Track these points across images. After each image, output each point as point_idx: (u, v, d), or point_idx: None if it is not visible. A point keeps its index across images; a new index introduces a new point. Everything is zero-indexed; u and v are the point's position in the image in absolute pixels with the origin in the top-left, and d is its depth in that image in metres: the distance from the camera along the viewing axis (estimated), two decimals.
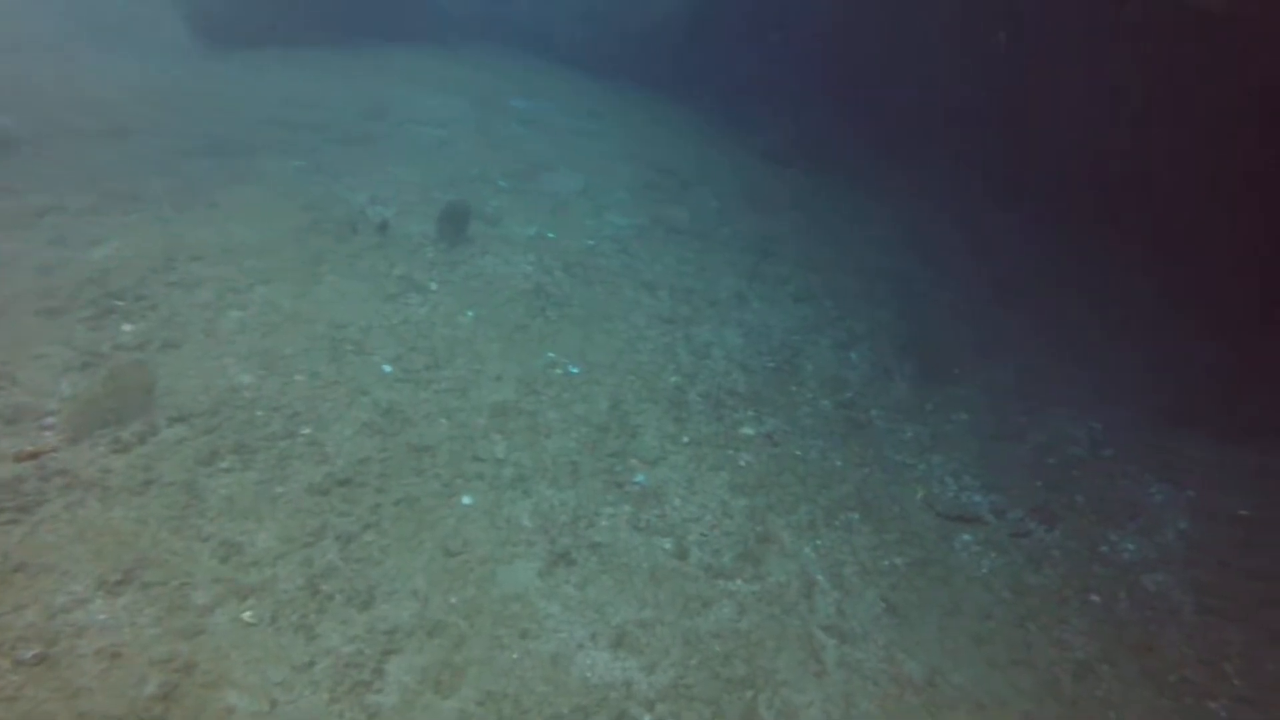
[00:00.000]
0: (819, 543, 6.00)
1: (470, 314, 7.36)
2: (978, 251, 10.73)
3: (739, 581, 5.48)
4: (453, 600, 4.90)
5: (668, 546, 5.59)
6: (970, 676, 5.30)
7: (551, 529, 5.50)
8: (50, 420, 5.37)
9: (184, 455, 5.36)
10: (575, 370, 6.99)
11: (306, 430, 5.77)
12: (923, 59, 12.04)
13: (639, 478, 6.07)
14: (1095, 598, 6.11)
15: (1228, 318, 9.18)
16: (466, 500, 5.55)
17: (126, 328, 6.25)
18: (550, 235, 8.95)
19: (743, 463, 6.51)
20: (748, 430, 6.89)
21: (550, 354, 7.13)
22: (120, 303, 6.46)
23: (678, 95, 14.44)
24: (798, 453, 6.82)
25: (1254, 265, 9.14)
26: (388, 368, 6.49)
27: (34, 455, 5.11)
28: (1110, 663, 5.63)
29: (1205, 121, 9.35)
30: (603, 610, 5.07)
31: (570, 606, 5.04)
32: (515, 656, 4.67)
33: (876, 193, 11.96)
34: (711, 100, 14.25)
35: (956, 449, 7.43)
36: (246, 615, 4.53)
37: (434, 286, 7.60)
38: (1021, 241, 10.97)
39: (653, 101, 14.36)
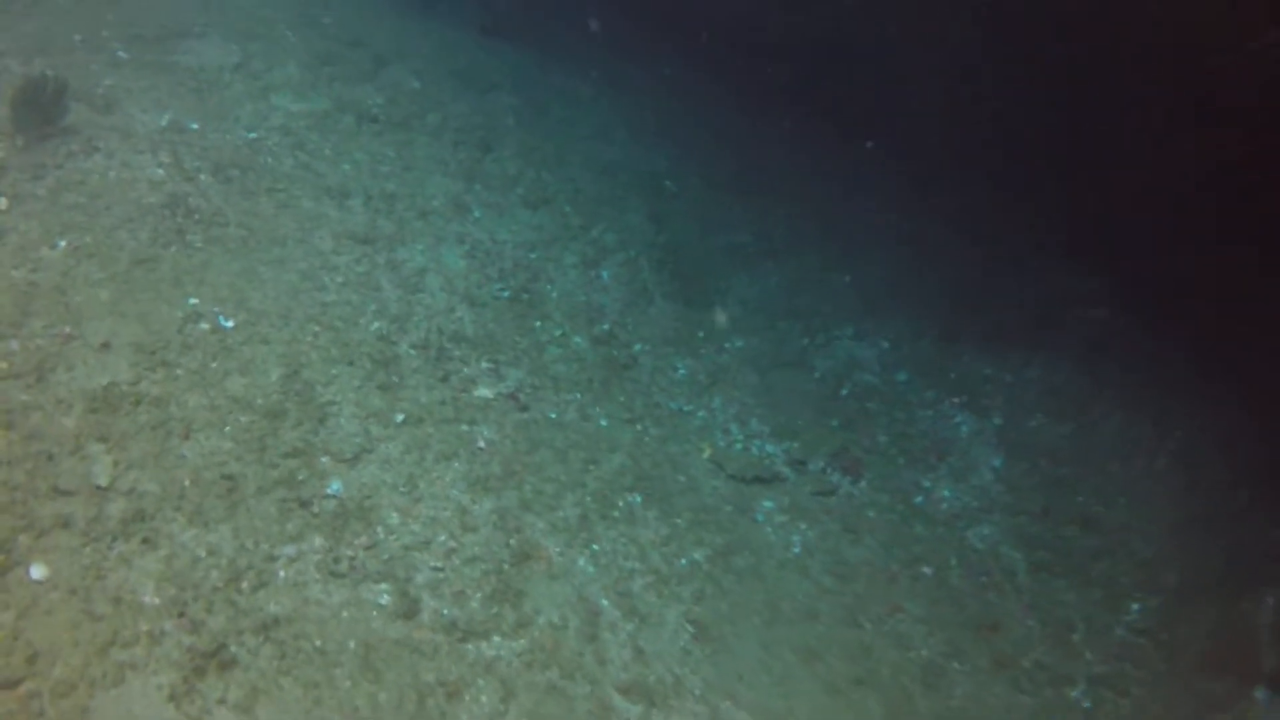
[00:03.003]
0: (596, 548, 4.42)
1: (62, 244, 4.92)
2: (721, 143, 9.36)
3: (496, 639, 3.76)
4: None
5: (385, 600, 3.72)
6: (811, 714, 4.00)
7: (193, 604, 3.45)
8: None
9: None
10: (229, 324, 4.84)
11: None
12: None
13: (333, 487, 4.14)
14: (926, 569, 5.04)
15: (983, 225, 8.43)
16: (36, 573, 3.37)
17: None
18: (193, 126, 6.44)
19: (482, 442, 4.73)
20: (484, 391, 5.11)
21: (192, 300, 4.89)
22: None
23: None
24: (552, 415, 5.17)
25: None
26: None
27: None
28: (958, 657, 4.57)
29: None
30: None
31: None
32: None
33: (600, 76, 10.21)
34: None
35: (737, 386, 6.11)
36: None
37: (1, 203, 5.06)
38: (756, 134, 9.70)
39: None
